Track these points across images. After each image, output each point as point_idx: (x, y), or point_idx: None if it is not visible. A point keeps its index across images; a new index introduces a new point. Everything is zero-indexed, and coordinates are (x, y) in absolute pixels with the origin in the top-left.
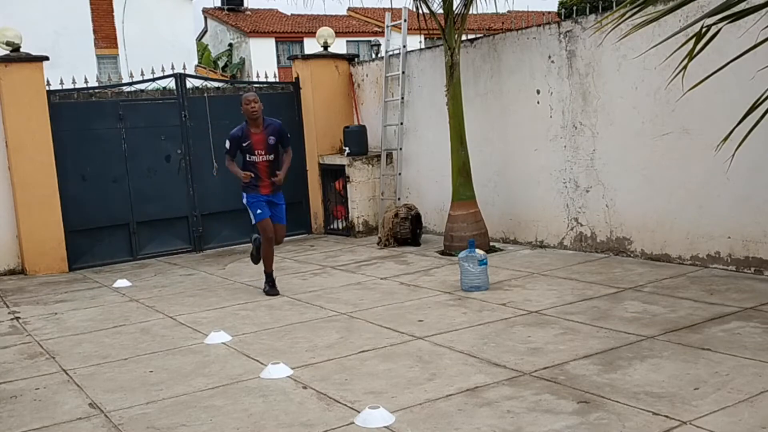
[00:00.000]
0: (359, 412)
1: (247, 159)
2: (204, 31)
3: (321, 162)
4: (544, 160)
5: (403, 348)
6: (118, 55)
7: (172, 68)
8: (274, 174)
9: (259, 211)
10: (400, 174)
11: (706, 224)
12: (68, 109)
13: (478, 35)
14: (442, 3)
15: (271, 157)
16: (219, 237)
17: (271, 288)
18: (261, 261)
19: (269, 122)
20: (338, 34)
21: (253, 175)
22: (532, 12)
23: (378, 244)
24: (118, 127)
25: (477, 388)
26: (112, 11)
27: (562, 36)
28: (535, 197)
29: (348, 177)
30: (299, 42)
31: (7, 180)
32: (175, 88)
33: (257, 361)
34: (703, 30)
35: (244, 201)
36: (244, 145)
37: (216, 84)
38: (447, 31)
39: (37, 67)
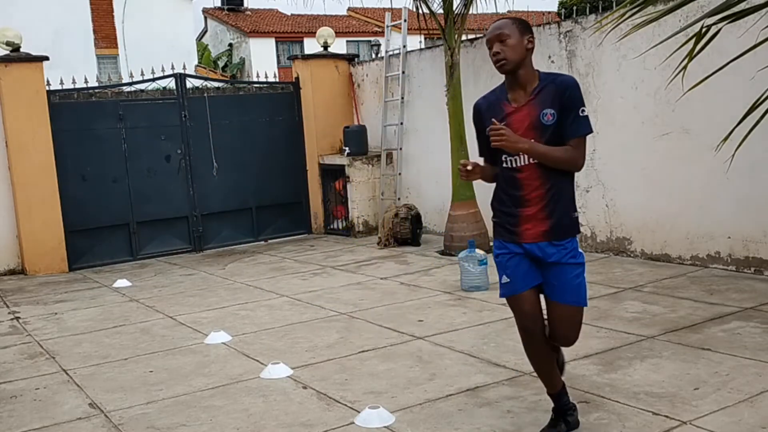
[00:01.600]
0: (359, 412)
1: (502, 164)
2: (204, 31)
3: (321, 162)
4: None
5: (403, 348)
6: (118, 55)
7: (172, 68)
8: (552, 194)
9: (505, 278)
10: (400, 174)
11: (706, 224)
12: (68, 109)
13: (478, 35)
14: (442, 3)
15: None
16: (219, 237)
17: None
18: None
19: (548, 78)
20: (338, 34)
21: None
22: (532, 12)
23: (378, 244)
24: (118, 127)
25: (477, 388)
26: (112, 11)
27: (562, 36)
28: None
29: (348, 177)
30: (299, 42)
31: (7, 180)
32: (175, 88)
33: (257, 361)
34: (703, 30)
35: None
36: (488, 133)
37: (216, 84)
38: (447, 31)
39: (37, 67)
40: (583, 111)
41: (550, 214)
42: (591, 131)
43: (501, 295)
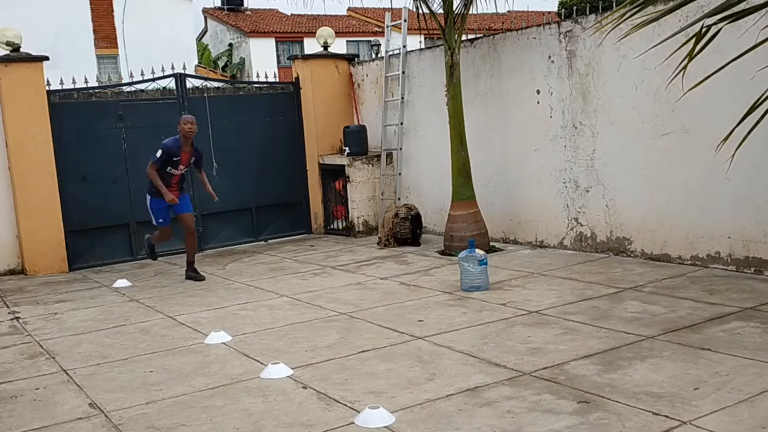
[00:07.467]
0: (359, 412)
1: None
2: (204, 31)
3: (321, 162)
4: (544, 160)
5: (403, 348)
6: (118, 55)
7: (172, 68)
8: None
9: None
10: (400, 174)
11: (706, 224)
12: (68, 109)
13: (478, 35)
14: (442, 3)
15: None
16: (219, 237)
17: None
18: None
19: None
20: (338, 34)
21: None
22: (532, 12)
23: (378, 244)
24: (118, 127)
25: (477, 388)
26: (112, 11)
27: (562, 36)
28: (535, 197)
29: (348, 177)
30: (299, 42)
31: (7, 180)
32: (175, 88)
33: (257, 361)
34: (703, 30)
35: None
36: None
37: (216, 84)
38: (447, 31)
39: (37, 67)
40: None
41: (180, 191)
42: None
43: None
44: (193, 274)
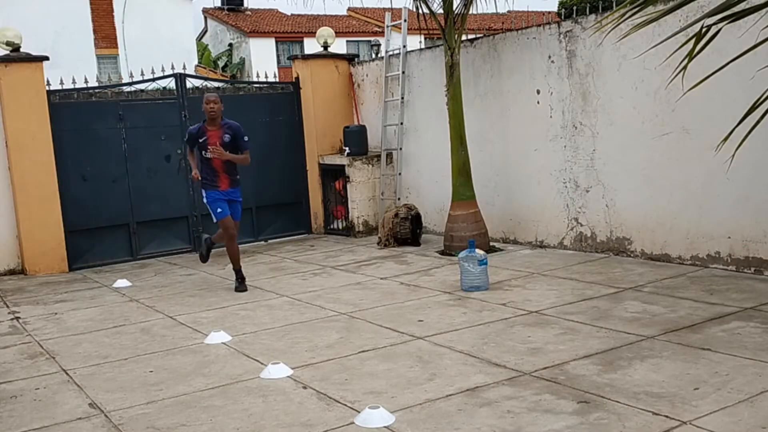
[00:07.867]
0: (359, 412)
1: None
2: (204, 31)
3: (321, 162)
4: (544, 160)
5: (403, 348)
6: (118, 55)
7: (172, 68)
8: (231, 170)
9: (219, 209)
10: (400, 174)
11: (706, 224)
12: (68, 109)
13: (478, 35)
14: (442, 3)
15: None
16: None
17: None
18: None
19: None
20: (338, 34)
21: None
22: (532, 12)
23: (378, 244)
24: (118, 127)
25: (477, 388)
26: (112, 11)
27: (562, 36)
28: (535, 197)
29: (348, 177)
30: (299, 42)
31: (7, 180)
32: (175, 88)
33: (257, 361)
34: (703, 30)
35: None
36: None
37: (216, 84)
38: (447, 31)
39: (37, 67)
40: (245, 137)
41: (232, 180)
42: (250, 147)
43: (217, 220)
44: (238, 285)
